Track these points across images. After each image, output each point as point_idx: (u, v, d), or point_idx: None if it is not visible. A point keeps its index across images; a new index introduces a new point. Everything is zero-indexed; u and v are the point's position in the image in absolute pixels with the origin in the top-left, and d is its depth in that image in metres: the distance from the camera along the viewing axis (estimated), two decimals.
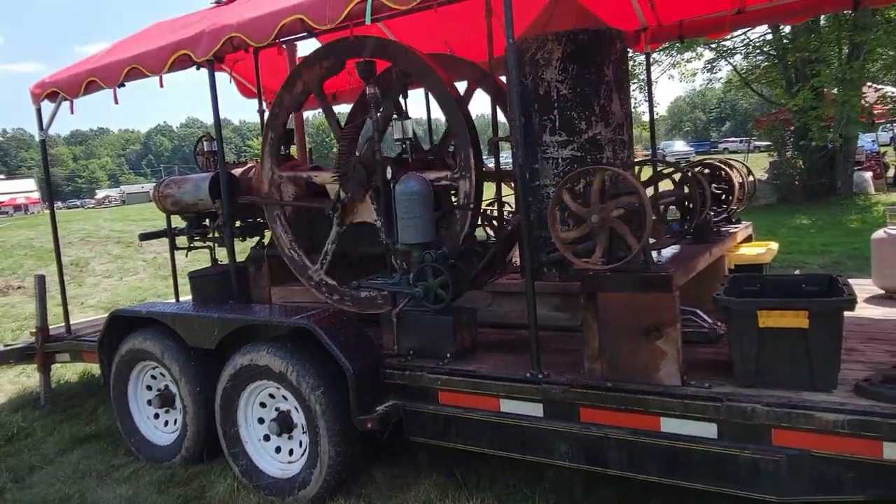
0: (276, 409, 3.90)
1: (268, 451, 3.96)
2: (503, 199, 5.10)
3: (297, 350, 3.70)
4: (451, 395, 3.44)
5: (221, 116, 4.48)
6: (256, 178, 4.95)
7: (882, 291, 4.52)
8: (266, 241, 5.30)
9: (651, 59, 8.77)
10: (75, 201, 73.25)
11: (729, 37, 16.20)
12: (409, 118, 4.50)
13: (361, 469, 3.89)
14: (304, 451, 3.76)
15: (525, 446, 3.25)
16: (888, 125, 22.09)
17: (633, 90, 16.50)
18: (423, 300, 3.66)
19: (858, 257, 8.73)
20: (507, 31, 3.13)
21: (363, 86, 4.33)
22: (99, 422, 5.29)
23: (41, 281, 5.74)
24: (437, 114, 4.87)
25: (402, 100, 4.79)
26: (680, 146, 45.16)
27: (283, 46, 5.40)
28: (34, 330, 5.67)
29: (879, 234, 4.62)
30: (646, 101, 16.77)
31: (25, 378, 6.62)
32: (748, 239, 5.31)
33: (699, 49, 17.44)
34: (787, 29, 15.70)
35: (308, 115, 14.73)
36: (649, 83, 7.71)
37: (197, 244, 5.37)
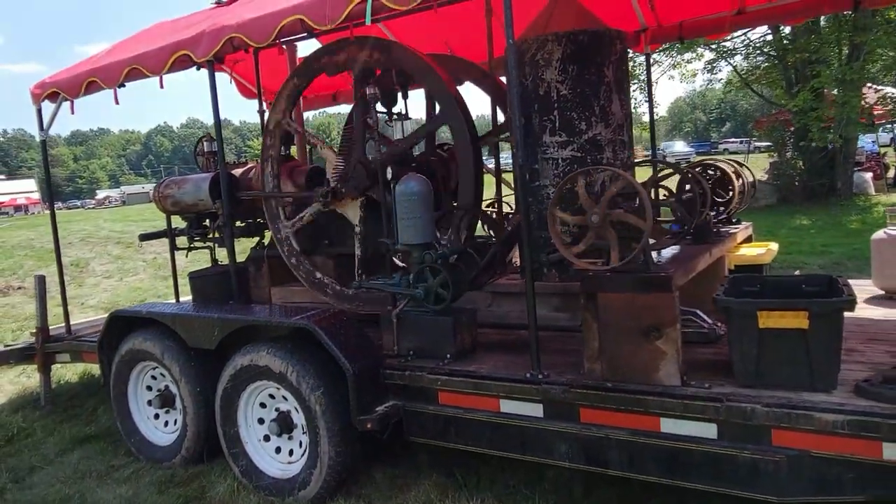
0: (276, 410, 3.90)
1: (268, 452, 3.96)
2: (503, 199, 5.10)
3: (297, 350, 3.70)
4: (451, 395, 3.44)
5: (222, 117, 4.49)
6: (256, 178, 4.96)
7: (882, 292, 4.52)
8: (266, 241, 5.30)
9: (651, 60, 8.78)
10: (76, 202, 73.01)
11: (729, 37, 16.23)
12: (409, 118, 4.50)
13: (361, 469, 3.89)
14: (304, 451, 3.76)
15: (525, 447, 3.24)
16: (888, 126, 22.07)
17: (634, 91, 16.51)
18: (423, 301, 3.66)
19: (858, 258, 8.72)
20: (507, 32, 3.13)
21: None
22: (99, 422, 5.29)
23: (41, 281, 5.74)
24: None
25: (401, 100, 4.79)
26: (680, 147, 45.13)
27: (284, 47, 5.41)
28: (34, 330, 5.67)
29: (879, 234, 4.62)
30: (646, 101, 16.77)
31: (25, 378, 6.62)
32: (748, 239, 5.31)
33: (699, 50, 17.44)
34: (787, 30, 15.71)
35: (308, 115, 14.69)
36: (649, 84, 7.69)
37: (197, 244, 5.38)
